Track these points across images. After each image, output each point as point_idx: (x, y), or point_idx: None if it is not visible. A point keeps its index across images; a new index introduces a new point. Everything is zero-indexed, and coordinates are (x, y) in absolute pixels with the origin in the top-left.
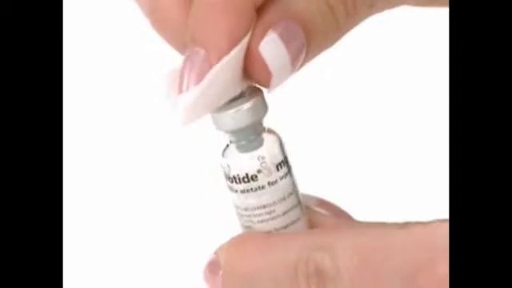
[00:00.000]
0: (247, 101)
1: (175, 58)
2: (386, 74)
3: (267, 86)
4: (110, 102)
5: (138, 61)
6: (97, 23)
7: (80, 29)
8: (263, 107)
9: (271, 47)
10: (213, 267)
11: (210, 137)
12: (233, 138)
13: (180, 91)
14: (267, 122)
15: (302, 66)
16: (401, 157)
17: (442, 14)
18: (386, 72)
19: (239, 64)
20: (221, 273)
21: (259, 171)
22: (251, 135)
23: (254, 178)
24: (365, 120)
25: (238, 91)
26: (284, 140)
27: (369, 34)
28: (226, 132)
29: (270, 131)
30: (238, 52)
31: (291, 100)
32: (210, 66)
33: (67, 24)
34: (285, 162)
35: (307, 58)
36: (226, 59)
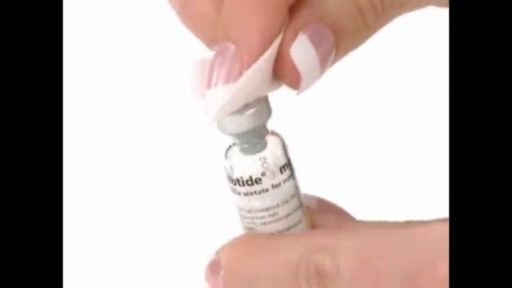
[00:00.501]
0: (252, 105)
1: (174, 58)
2: (388, 77)
3: (297, 88)
4: (111, 103)
5: (139, 61)
6: (97, 23)
7: (80, 29)
8: (267, 111)
9: (301, 50)
10: (214, 267)
11: (213, 138)
12: (236, 141)
13: (209, 85)
14: (270, 124)
15: (329, 67)
16: (402, 158)
17: (442, 15)
18: (388, 75)
19: (270, 66)
20: (222, 273)
21: (263, 174)
22: (255, 138)
23: (257, 180)
24: (366, 121)
25: (267, 92)
26: (286, 142)
27: (371, 37)
28: (230, 135)
29: (274, 134)
30: (270, 54)
31: (294, 102)
32: (241, 62)
33: (67, 24)
34: (288, 164)
35: (335, 60)
36: (259, 62)
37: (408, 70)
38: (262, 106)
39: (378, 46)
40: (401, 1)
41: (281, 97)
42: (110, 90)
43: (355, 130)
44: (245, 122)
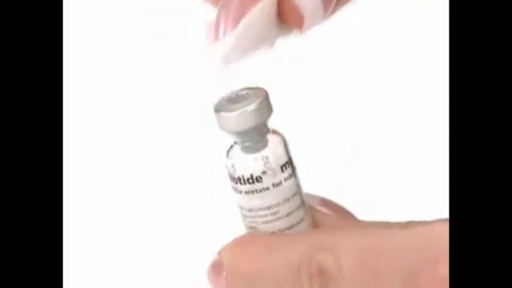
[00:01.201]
0: (252, 102)
1: (175, 58)
2: (388, 76)
3: (300, 28)
4: (111, 102)
5: (138, 61)
6: (97, 23)
7: (80, 29)
8: (268, 109)
9: None
10: (216, 268)
11: (214, 137)
12: (237, 139)
13: (216, 38)
14: (272, 123)
15: (333, 12)
16: (403, 157)
17: (443, 13)
18: (388, 73)
19: (273, 8)
20: (224, 273)
21: (264, 172)
22: (256, 137)
23: (258, 179)
24: (368, 121)
25: (272, 37)
26: (288, 140)
27: (370, 36)
28: (231, 133)
29: (275, 132)
30: None
31: (295, 100)
32: (245, 11)
33: (67, 24)
34: (289, 162)
35: (338, 6)
36: (261, 4)
37: (409, 69)
38: (263, 103)
39: (379, 45)
40: None
41: (282, 95)
42: (110, 88)
43: (357, 129)
44: (246, 119)
